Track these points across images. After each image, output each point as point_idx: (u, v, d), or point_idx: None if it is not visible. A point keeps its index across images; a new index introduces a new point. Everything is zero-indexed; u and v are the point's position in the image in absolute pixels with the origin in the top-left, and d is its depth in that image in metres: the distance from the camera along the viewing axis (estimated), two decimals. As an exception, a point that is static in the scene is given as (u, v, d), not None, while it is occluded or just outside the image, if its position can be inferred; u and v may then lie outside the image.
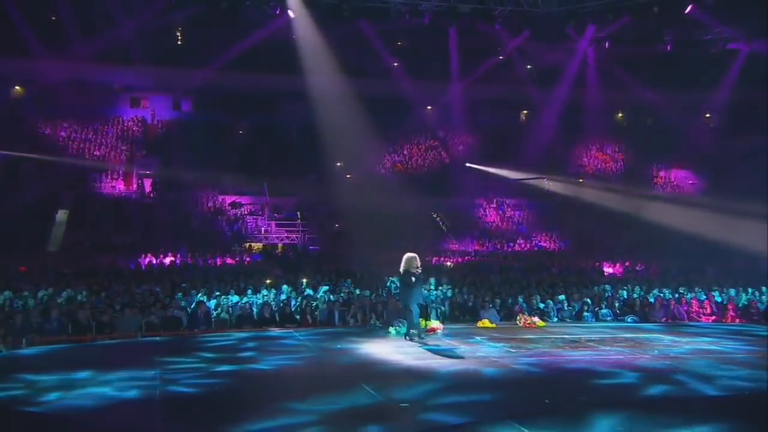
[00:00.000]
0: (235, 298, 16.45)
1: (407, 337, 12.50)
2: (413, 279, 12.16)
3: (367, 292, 17.53)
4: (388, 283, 18.82)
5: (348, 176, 30.40)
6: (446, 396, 8.51)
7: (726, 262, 22.77)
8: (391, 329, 14.31)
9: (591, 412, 7.53)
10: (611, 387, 9.18)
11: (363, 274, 20.23)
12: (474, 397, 8.51)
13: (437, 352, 11.57)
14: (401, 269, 12.23)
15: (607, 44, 27.31)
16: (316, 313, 15.87)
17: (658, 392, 8.84)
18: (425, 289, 17.90)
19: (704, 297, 18.28)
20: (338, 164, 31.31)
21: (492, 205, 30.98)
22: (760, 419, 7.67)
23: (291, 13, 24.95)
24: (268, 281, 18.71)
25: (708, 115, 34.39)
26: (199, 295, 16.45)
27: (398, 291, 18.01)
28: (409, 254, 12.34)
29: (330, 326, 15.34)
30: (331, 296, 17.20)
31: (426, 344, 12.11)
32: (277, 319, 15.37)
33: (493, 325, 15.14)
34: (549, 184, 29.63)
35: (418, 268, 12.25)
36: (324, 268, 21.60)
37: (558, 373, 10.05)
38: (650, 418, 7.49)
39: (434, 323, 14.71)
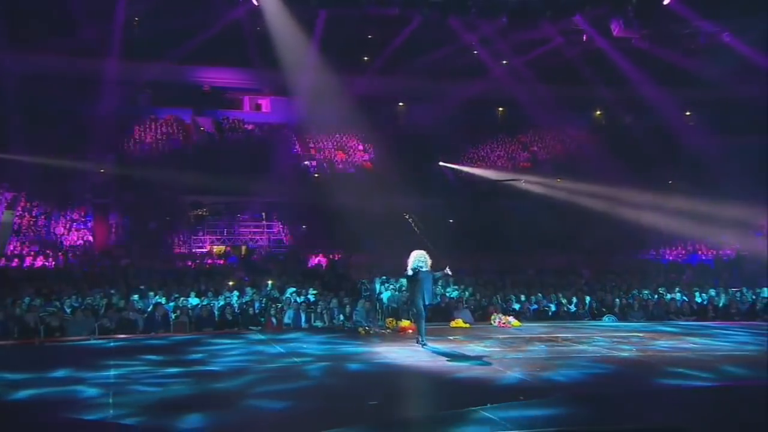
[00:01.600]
0: (195, 301, 16.23)
1: (419, 343, 11.96)
2: (418, 276, 11.69)
3: (336, 293, 17.40)
4: (358, 285, 18.75)
5: (316, 175, 30.24)
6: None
7: (704, 262, 23.14)
8: (360, 330, 14.35)
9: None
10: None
11: (331, 276, 20.14)
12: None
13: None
14: (409, 268, 11.82)
15: (585, 37, 27.59)
16: (282, 315, 15.72)
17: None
18: (393, 290, 17.96)
19: (684, 298, 18.54)
20: (306, 162, 31.18)
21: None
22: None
23: (255, 1, 24.71)
24: (230, 283, 18.51)
25: (688, 113, 34.99)
26: (157, 297, 16.17)
27: (368, 293, 18.11)
28: (416, 251, 11.95)
29: (297, 328, 15.21)
30: (298, 298, 17.05)
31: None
32: (240, 321, 15.21)
33: (467, 325, 15.14)
34: (525, 184, 29.76)
35: (424, 265, 11.74)
36: (291, 269, 21.42)
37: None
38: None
39: (405, 323, 14.77)
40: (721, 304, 18.18)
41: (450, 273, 12.37)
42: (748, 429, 7.25)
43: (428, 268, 11.81)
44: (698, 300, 18.40)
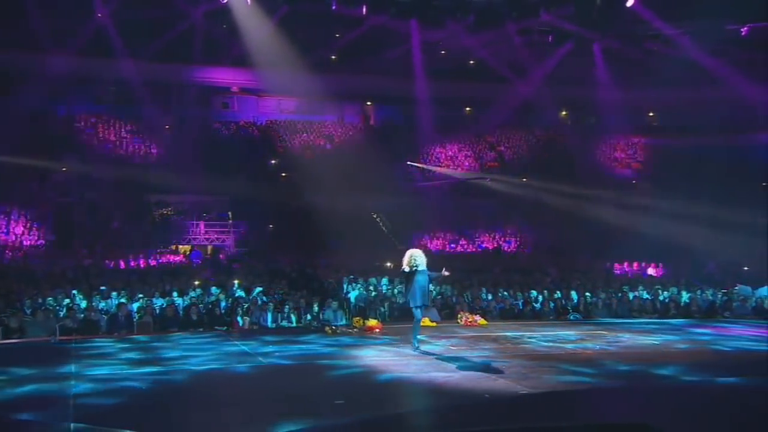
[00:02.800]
0: (160, 301, 16.11)
1: (414, 348, 11.66)
2: (413, 275, 11.43)
3: (303, 293, 17.41)
4: (326, 284, 18.81)
5: (283, 174, 30.13)
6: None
7: (670, 262, 23.62)
8: (327, 329, 14.40)
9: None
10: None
11: (299, 275, 20.14)
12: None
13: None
14: (404, 267, 11.56)
15: (551, 38, 27.94)
16: (248, 315, 15.68)
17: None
18: (361, 289, 18.04)
19: (647, 296, 18.94)
20: (274, 162, 31.05)
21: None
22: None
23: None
24: (196, 283, 18.40)
25: (651, 114, 35.67)
26: (120, 297, 16.02)
27: (336, 292, 18.18)
28: (412, 250, 11.79)
29: (264, 328, 15.21)
30: (265, 297, 17.02)
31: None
32: (205, 320, 15.14)
33: (434, 324, 15.27)
34: (491, 183, 30.00)
35: (418, 264, 11.47)
36: (257, 269, 21.36)
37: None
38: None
39: (373, 323, 14.86)
40: (682, 302, 18.66)
41: (447, 273, 12.19)
42: (711, 425, 7.44)
43: (424, 267, 11.58)
44: (661, 298, 18.82)
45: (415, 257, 11.52)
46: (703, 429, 7.29)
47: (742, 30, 25.09)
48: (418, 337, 11.82)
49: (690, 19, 24.83)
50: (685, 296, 19.12)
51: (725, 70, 27.32)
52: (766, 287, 19.54)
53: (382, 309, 16.85)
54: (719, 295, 19.18)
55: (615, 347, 12.43)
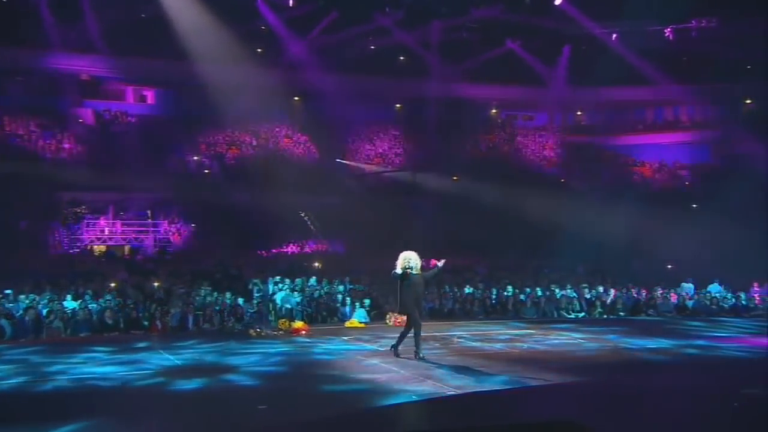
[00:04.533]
0: (72, 304, 15.59)
1: (392, 349, 11.22)
2: (407, 279, 10.99)
3: (228, 295, 17.16)
4: (250, 286, 18.58)
5: (206, 171, 29.58)
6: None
7: (596, 260, 24.34)
8: (252, 332, 14.28)
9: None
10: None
11: (222, 276, 19.83)
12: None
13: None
14: (397, 270, 11.11)
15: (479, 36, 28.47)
16: (167, 318, 15.37)
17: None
18: (289, 290, 17.93)
19: (574, 294, 19.52)
20: (195, 158, 30.44)
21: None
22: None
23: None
24: (112, 285, 17.90)
25: (579, 113, 36.74)
26: (28, 300, 15.41)
27: (261, 293, 17.98)
28: (405, 252, 11.27)
29: (183, 332, 14.93)
30: (186, 299, 16.69)
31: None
32: (122, 325, 14.76)
33: (362, 325, 15.34)
34: (412, 178, 30.05)
35: (412, 266, 11.08)
36: (178, 270, 20.90)
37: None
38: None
39: (299, 324, 14.82)
40: (609, 301, 19.34)
41: (442, 264, 11.55)
42: (634, 420, 7.72)
43: (418, 271, 11.18)
44: (587, 296, 19.44)
45: (409, 259, 11.10)
46: (626, 424, 7.57)
47: (665, 31, 26.12)
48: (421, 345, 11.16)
49: (617, 20, 25.74)
50: (611, 294, 19.80)
51: (652, 71, 28.46)
52: (715, 284, 20.48)
53: (310, 310, 16.81)
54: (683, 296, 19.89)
55: (542, 346, 12.77)
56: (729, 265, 20.63)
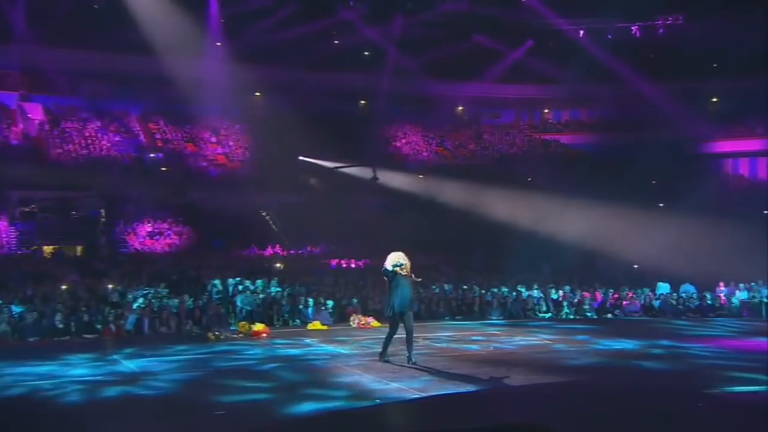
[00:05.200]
0: (19, 308, 15.12)
1: (381, 357, 11.03)
2: (396, 279, 10.82)
3: (187, 297, 16.83)
4: (209, 287, 18.28)
5: (163, 169, 29.07)
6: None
7: (561, 260, 24.51)
8: (210, 335, 14.01)
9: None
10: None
11: (180, 278, 19.46)
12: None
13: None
14: (387, 266, 10.92)
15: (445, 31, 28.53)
16: (122, 321, 15.01)
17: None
18: (249, 291, 17.67)
19: (541, 294, 19.60)
20: (152, 155, 29.90)
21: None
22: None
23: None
24: (63, 287, 17.44)
25: (546, 111, 37.07)
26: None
27: (220, 296, 17.72)
28: (394, 253, 11.08)
29: (139, 335, 14.60)
30: (141, 301, 16.34)
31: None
32: (73, 329, 14.37)
33: (325, 327, 15.18)
34: (376, 175, 29.92)
35: (402, 267, 10.89)
36: (133, 271, 20.46)
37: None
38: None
39: (259, 327, 14.60)
40: (575, 300, 19.45)
41: (417, 280, 11.61)
42: (602, 422, 7.69)
43: (407, 272, 10.97)
44: (554, 296, 19.53)
45: (398, 259, 10.93)
46: (594, 426, 7.53)
47: (632, 28, 26.44)
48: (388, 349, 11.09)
49: (584, 16, 25.98)
50: (578, 294, 19.92)
51: (620, 67, 28.76)
52: (687, 284, 20.69)
53: (270, 312, 16.57)
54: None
55: (509, 347, 12.75)
56: (697, 265, 20.85)
